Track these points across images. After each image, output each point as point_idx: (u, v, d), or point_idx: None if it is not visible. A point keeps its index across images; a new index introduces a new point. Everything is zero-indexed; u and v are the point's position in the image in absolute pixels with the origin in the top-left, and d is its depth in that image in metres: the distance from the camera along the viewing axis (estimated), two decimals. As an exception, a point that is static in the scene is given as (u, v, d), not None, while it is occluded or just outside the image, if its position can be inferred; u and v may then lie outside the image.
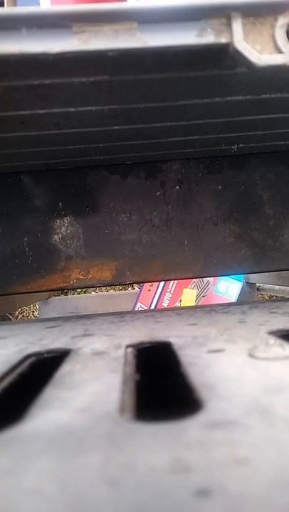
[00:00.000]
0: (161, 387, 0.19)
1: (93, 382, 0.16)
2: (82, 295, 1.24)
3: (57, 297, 1.07)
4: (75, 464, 0.10)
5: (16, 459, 0.11)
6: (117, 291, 1.19)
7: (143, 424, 0.12)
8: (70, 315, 0.40)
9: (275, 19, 0.20)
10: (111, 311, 0.36)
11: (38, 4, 0.36)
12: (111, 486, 0.09)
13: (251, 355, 0.18)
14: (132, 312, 0.33)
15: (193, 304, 1.00)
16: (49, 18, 0.19)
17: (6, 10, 0.18)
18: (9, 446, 0.12)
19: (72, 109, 0.28)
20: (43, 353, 0.22)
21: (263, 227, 0.44)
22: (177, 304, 1.01)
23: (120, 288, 1.19)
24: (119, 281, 0.43)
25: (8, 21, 0.19)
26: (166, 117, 0.31)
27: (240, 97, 0.28)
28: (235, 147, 0.41)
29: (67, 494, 0.09)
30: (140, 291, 1.03)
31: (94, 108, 0.28)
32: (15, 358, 0.20)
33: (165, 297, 1.02)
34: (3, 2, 0.39)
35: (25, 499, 0.09)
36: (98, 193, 0.43)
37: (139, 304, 1.03)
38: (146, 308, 1.01)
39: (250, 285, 1.04)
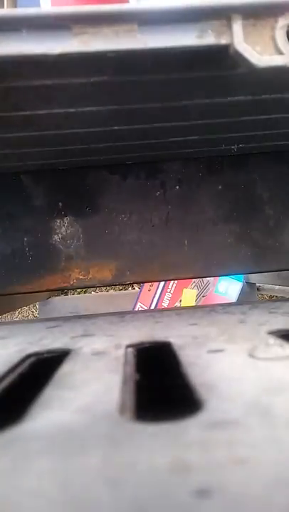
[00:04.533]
0: (161, 387, 0.19)
1: (93, 382, 0.16)
2: (82, 295, 1.24)
3: (57, 297, 1.07)
4: (75, 464, 0.10)
5: (16, 459, 0.11)
6: (117, 291, 1.19)
7: (143, 424, 0.12)
8: (70, 315, 0.40)
9: (276, 20, 0.20)
10: (111, 311, 0.36)
11: (39, 5, 0.36)
12: (111, 486, 0.09)
13: (251, 355, 0.18)
14: (132, 312, 0.34)
15: (194, 304, 1.00)
16: (49, 19, 0.19)
17: (6, 11, 0.18)
18: (9, 446, 0.12)
19: (72, 110, 0.28)
20: (43, 353, 0.22)
21: (263, 227, 0.44)
22: (177, 304, 1.01)
23: (120, 288, 1.19)
24: (119, 281, 0.43)
25: (8, 22, 0.19)
26: (166, 118, 0.31)
27: (240, 98, 0.28)
28: (235, 147, 0.41)
29: (67, 494, 0.09)
30: (140, 291, 1.03)
31: (94, 109, 0.28)
32: (15, 358, 0.20)
33: (165, 297, 1.02)
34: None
35: (26, 499, 0.09)
36: (98, 193, 0.43)
37: (139, 303, 1.03)
38: (146, 308, 1.02)
39: (250, 285, 1.04)
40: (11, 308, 0.89)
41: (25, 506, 0.09)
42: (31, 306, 1.32)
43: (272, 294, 1.09)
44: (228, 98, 0.28)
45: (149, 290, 1.03)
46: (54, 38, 0.19)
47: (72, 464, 0.10)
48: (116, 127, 0.31)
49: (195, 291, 1.01)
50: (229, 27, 0.20)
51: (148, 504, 0.08)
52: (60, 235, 0.43)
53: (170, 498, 0.09)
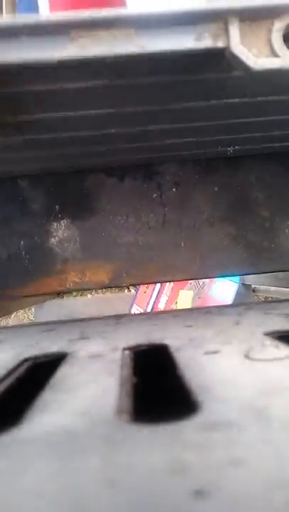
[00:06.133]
0: (158, 389, 0.19)
1: (90, 385, 0.16)
2: (79, 298, 1.23)
3: (53, 300, 1.07)
4: (74, 466, 0.10)
5: (15, 462, 0.11)
6: (114, 294, 1.19)
7: (140, 426, 0.13)
8: (66, 318, 0.40)
9: (272, 23, 0.21)
10: (107, 313, 0.37)
11: (37, 9, 0.36)
12: (109, 488, 0.09)
13: (247, 357, 0.18)
14: (129, 315, 0.34)
15: (190, 306, 1.00)
16: (48, 25, 0.19)
17: (5, 18, 0.19)
18: (8, 449, 0.12)
19: (70, 113, 0.28)
20: (39, 357, 0.22)
21: (258, 229, 0.44)
22: (173, 306, 1.01)
23: (117, 290, 1.19)
24: (116, 284, 0.43)
25: (5, 30, 0.19)
26: (163, 120, 0.31)
27: (236, 100, 0.28)
28: (231, 149, 0.41)
29: (66, 496, 0.09)
30: (136, 294, 1.03)
31: (92, 112, 0.28)
32: (11, 362, 0.20)
33: (161, 299, 1.02)
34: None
35: (25, 501, 0.09)
36: (95, 196, 0.43)
37: (135, 306, 1.03)
38: (142, 310, 1.02)
39: (245, 286, 1.05)
40: (7, 312, 0.89)
41: (25, 508, 0.09)
42: (26, 309, 1.32)
43: (268, 295, 1.09)
44: (225, 100, 0.28)
45: (144, 292, 1.03)
46: (52, 43, 0.19)
47: (70, 466, 0.10)
48: (113, 130, 0.32)
49: (191, 293, 1.01)
50: (226, 30, 0.20)
51: (146, 505, 0.09)
52: (56, 237, 0.43)
53: (168, 499, 0.09)
